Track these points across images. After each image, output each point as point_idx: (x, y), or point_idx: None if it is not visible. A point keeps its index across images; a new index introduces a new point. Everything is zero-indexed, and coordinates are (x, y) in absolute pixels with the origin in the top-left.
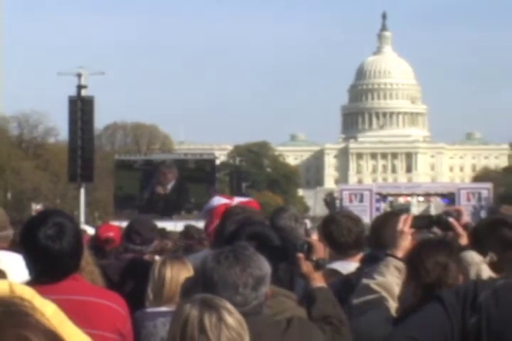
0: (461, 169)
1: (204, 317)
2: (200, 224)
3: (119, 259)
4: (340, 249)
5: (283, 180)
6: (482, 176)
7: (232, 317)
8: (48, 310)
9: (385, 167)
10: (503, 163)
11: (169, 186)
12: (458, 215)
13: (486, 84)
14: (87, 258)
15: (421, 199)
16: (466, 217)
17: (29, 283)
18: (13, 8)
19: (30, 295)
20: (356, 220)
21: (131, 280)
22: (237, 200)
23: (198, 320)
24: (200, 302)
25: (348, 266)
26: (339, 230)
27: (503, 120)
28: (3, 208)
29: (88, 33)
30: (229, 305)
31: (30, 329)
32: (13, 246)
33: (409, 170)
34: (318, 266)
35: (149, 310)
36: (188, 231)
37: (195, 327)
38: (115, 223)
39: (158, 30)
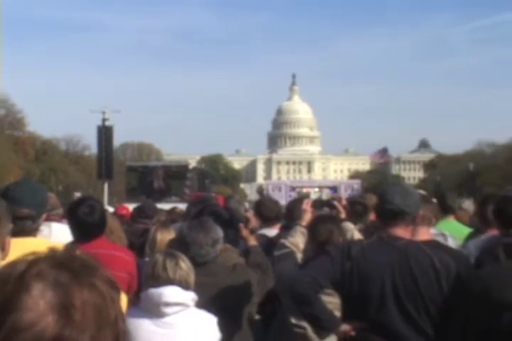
0: (341, 171)
1: (166, 262)
2: (180, 205)
3: (132, 227)
4: (266, 221)
5: (231, 178)
6: (354, 176)
7: (184, 263)
8: None
9: (294, 170)
10: (367, 167)
11: (161, 182)
12: (339, 200)
13: (357, 116)
14: (118, 228)
15: (317, 190)
16: (344, 201)
17: (73, 242)
18: (58, 63)
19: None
20: (276, 203)
21: (139, 240)
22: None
23: (162, 263)
24: (165, 253)
25: (272, 232)
26: (266, 209)
27: (367, 141)
28: (56, 196)
29: (107, 80)
30: (183, 256)
31: (98, 278)
32: (62, 219)
33: (309, 171)
34: (252, 231)
35: (146, 259)
36: (173, 209)
37: (160, 267)
38: (126, 205)
39: (158, 78)
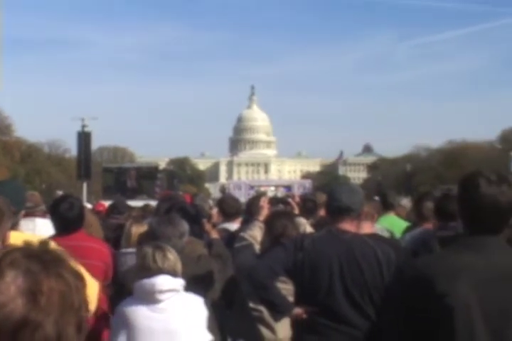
0: (295, 172)
1: (155, 253)
2: (151, 202)
3: (106, 222)
4: (228, 216)
5: (197, 178)
6: (306, 176)
7: (171, 254)
8: None
9: (253, 171)
10: (317, 168)
11: (134, 181)
12: (293, 198)
13: (309, 123)
14: (96, 222)
15: (273, 188)
16: (297, 199)
17: (55, 235)
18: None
19: (53, 244)
20: (237, 200)
21: (113, 234)
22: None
23: (152, 254)
24: (153, 245)
25: (233, 226)
26: (227, 206)
27: (318, 145)
28: (40, 194)
29: (86, 91)
30: (169, 248)
31: (65, 269)
32: (45, 215)
33: (266, 172)
34: (215, 226)
35: (122, 250)
36: (146, 206)
37: (150, 258)
38: (103, 202)
39: (132, 89)
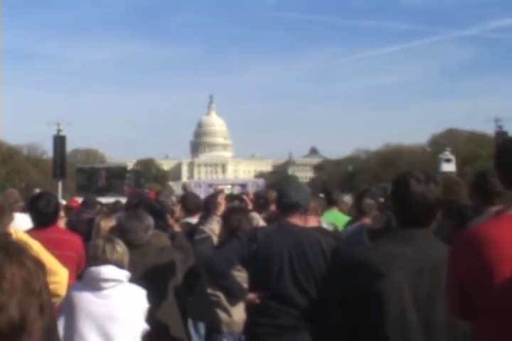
0: (249, 172)
1: (105, 245)
2: (121, 199)
3: (79, 217)
4: (189, 211)
5: (161, 178)
6: (259, 175)
7: (120, 247)
8: (34, 245)
9: (211, 171)
10: (269, 169)
11: (104, 181)
12: (247, 195)
13: (261, 128)
14: (62, 216)
15: (229, 187)
16: (251, 196)
17: (33, 229)
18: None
19: (25, 236)
20: (197, 197)
21: (85, 227)
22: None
23: (102, 246)
24: (105, 238)
25: (193, 220)
26: (189, 202)
27: (269, 148)
28: (19, 192)
29: (62, 99)
30: (119, 241)
31: (26, 257)
32: (24, 211)
33: (223, 172)
34: (177, 220)
35: (92, 242)
36: (117, 203)
37: (100, 249)
38: (77, 198)
39: (104, 97)
